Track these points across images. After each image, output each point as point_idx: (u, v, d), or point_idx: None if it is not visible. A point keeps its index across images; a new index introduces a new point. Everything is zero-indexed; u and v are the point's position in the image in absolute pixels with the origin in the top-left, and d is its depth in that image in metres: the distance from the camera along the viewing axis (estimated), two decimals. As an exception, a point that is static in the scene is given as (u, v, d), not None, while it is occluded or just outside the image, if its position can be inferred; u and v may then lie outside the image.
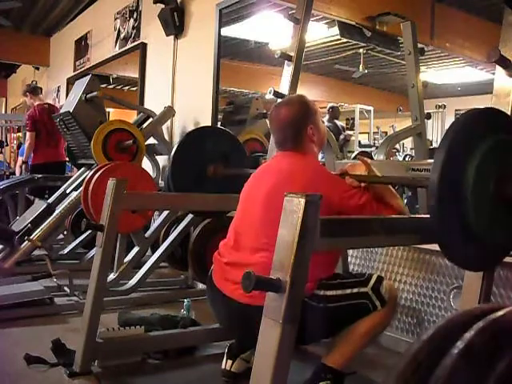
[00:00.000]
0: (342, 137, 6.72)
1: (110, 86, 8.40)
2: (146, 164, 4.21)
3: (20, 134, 10.28)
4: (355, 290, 1.66)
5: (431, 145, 6.84)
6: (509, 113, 1.57)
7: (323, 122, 1.97)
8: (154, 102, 4.87)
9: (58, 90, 8.29)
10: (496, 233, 1.28)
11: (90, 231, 3.88)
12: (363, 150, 6.83)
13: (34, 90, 5.62)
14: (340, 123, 7.16)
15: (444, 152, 1.17)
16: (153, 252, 3.33)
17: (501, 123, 1.32)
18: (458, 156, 1.20)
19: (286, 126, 1.87)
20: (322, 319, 1.62)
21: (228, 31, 4.93)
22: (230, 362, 1.94)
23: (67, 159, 5.27)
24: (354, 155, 5.45)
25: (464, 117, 1.27)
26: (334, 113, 6.91)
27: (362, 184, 1.72)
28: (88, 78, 4.12)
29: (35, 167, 5.44)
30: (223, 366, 1.96)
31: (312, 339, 1.82)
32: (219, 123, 4.18)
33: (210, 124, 4.11)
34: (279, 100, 2.66)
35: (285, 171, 1.79)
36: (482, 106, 1.33)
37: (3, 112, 11.97)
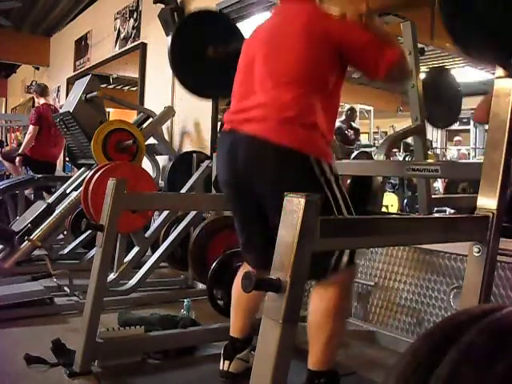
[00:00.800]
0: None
1: (110, 86, 8.41)
2: (146, 164, 4.21)
3: (20, 134, 10.29)
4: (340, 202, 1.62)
5: (431, 145, 6.86)
6: (509, 114, 1.57)
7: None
8: (154, 102, 4.87)
9: (58, 90, 8.30)
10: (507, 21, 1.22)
11: (90, 231, 3.88)
12: (363, 150, 6.83)
13: (43, 91, 5.80)
14: (355, 125, 7.17)
15: None
16: (153, 252, 3.33)
17: None
18: None
19: None
20: None
21: (228, 31, 4.92)
22: (227, 362, 1.93)
23: (63, 161, 5.28)
24: (354, 155, 5.45)
25: None
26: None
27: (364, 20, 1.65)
28: (88, 78, 4.12)
29: (27, 159, 5.51)
30: (221, 367, 1.94)
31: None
32: (219, 123, 4.17)
33: (210, 123, 4.12)
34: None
35: (287, 15, 1.76)
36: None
37: (3, 112, 11.98)
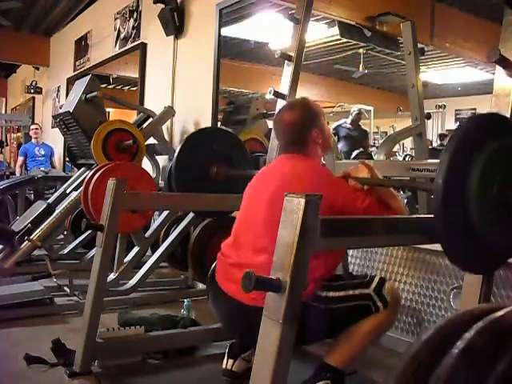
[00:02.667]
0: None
1: (110, 86, 8.40)
2: (146, 164, 4.21)
3: (20, 134, 10.29)
4: (357, 292, 1.66)
5: (431, 145, 6.84)
6: (509, 113, 1.57)
7: (328, 123, 1.97)
8: (154, 102, 4.87)
9: (58, 90, 8.30)
10: (498, 237, 1.29)
11: (90, 231, 3.88)
12: (363, 149, 6.82)
13: None
14: (363, 128, 7.02)
15: (449, 156, 1.19)
16: (153, 252, 3.33)
17: (503, 128, 1.33)
18: (461, 161, 1.21)
19: (290, 130, 1.88)
20: (323, 320, 1.62)
21: (228, 31, 4.93)
22: (231, 361, 1.94)
23: (63, 161, 5.27)
24: (354, 155, 5.45)
25: (467, 122, 1.29)
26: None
27: (365, 187, 1.73)
28: (88, 78, 4.12)
29: None
30: (224, 366, 1.95)
31: (313, 340, 1.82)
32: (219, 123, 4.18)
33: (210, 123, 4.12)
34: (279, 100, 2.67)
35: (288, 174, 1.80)
36: (485, 111, 1.35)
37: (3, 112, 11.97)
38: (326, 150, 2.00)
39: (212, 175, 2.69)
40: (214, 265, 1.92)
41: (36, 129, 7.34)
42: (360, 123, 6.73)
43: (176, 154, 2.72)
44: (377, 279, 1.68)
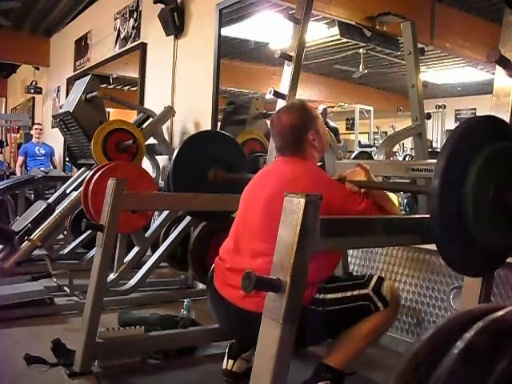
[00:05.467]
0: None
1: (110, 86, 8.40)
2: (146, 164, 4.21)
3: (18, 135, 10.29)
4: (356, 292, 1.66)
5: (431, 145, 6.84)
6: (509, 113, 1.57)
7: (326, 123, 1.97)
8: (154, 101, 4.87)
9: (58, 90, 8.29)
10: (494, 238, 1.30)
11: (90, 231, 3.88)
12: (363, 150, 6.83)
13: None
14: (333, 124, 7.05)
15: (445, 158, 1.19)
16: (153, 252, 3.33)
17: (501, 131, 1.33)
18: (458, 162, 1.22)
19: (286, 132, 1.88)
20: (322, 323, 1.62)
21: (228, 31, 4.93)
22: (231, 361, 1.94)
23: (63, 161, 5.23)
24: (354, 155, 5.45)
25: (465, 124, 1.29)
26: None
27: (362, 190, 1.74)
28: (88, 78, 4.12)
29: None
30: (224, 366, 1.95)
31: (313, 342, 1.82)
32: (219, 123, 4.17)
33: (210, 123, 4.12)
34: (279, 100, 2.67)
35: (285, 176, 1.80)
36: (485, 111, 1.35)
37: (3, 112, 11.96)
38: (322, 151, 2.01)
39: (210, 178, 2.69)
40: (211, 268, 1.92)
41: (40, 129, 7.36)
42: (328, 120, 6.74)
43: (173, 158, 2.73)
44: (375, 278, 1.68)
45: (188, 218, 3.28)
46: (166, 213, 3.37)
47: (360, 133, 8.81)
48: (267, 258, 1.54)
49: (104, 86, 7.64)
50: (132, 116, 5.03)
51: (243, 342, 1.92)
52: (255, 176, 1.98)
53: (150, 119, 4.21)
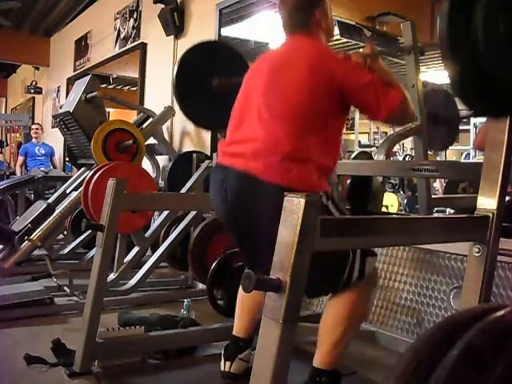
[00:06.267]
0: None
1: (110, 86, 8.41)
2: (146, 164, 4.21)
3: (18, 135, 10.29)
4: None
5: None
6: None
7: (331, 10, 1.94)
8: (154, 101, 4.87)
9: (58, 90, 8.30)
10: (506, 72, 1.24)
11: (90, 231, 3.88)
12: (363, 150, 6.83)
13: None
14: None
15: None
16: (153, 252, 3.33)
17: None
18: None
19: (293, 9, 1.85)
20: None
21: (228, 31, 4.93)
22: (228, 363, 1.93)
23: (63, 161, 5.23)
24: (354, 155, 5.45)
25: None
26: None
27: (368, 61, 1.69)
28: (88, 78, 4.12)
29: None
30: (222, 368, 1.94)
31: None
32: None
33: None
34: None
35: (291, 46, 1.80)
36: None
37: (3, 112, 11.97)
38: (328, 36, 1.93)
39: (214, 86, 2.64)
40: (217, 156, 1.84)
41: (37, 128, 7.35)
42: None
43: (178, 63, 2.69)
44: (359, 251, 1.64)
45: (188, 218, 3.28)
46: (165, 213, 3.37)
47: (360, 133, 8.80)
48: (273, 123, 1.59)
49: (104, 86, 7.66)
50: (132, 116, 5.03)
51: (253, 226, 1.71)
52: (262, 56, 1.93)
53: (150, 119, 4.22)
